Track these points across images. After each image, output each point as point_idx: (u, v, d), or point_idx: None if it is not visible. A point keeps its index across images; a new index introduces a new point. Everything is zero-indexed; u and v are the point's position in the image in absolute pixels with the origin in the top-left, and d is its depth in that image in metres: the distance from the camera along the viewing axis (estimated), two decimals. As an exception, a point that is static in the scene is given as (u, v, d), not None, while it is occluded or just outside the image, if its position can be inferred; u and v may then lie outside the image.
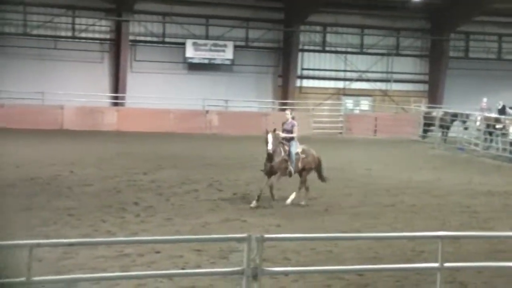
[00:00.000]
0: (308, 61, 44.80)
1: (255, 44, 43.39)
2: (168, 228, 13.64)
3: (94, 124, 36.25)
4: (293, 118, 17.32)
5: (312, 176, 17.56)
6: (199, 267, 10.83)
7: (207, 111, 39.60)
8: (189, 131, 36.64)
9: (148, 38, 41.94)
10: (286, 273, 10.13)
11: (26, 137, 29.80)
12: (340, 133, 41.15)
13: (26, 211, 14.54)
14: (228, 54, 42.38)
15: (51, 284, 9.25)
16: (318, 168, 17.64)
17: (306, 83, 44.85)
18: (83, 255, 11.10)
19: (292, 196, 16.71)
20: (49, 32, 39.91)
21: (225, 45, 42.37)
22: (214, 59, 42.33)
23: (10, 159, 22.25)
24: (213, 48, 42.37)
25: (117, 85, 40.46)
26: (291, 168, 16.79)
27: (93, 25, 40.61)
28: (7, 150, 24.88)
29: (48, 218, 13.96)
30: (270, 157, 16.53)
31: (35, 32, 39.60)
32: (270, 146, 16.32)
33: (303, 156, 17.15)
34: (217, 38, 42.45)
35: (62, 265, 10.58)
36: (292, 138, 17.02)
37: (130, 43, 40.96)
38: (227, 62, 42.55)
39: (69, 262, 10.73)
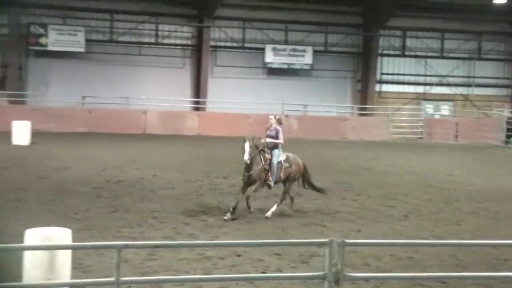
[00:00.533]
0: (387, 65, 44.47)
1: (334, 49, 43.40)
2: (248, 232, 13.73)
3: (175, 128, 36.95)
4: (280, 123, 15.90)
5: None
6: (279, 271, 10.85)
7: (286, 116, 39.71)
8: (266, 135, 36.79)
9: (229, 44, 42.47)
10: (367, 279, 10.14)
11: (112, 141, 30.67)
12: (420, 138, 40.69)
13: (113, 213, 14.94)
14: (307, 59, 42.48)
15: (138, 284, 9.52)
16: (304, 177, 16.25)
17: (385, 87, 44.53)
18: (166, 257, 11.31)
19: (273, 208, 15.47)
20: (133, 39, 40.96)
21: (304, 50, 42.51)
22: (293, 64, 42.50)
23: (97, 162, 23.01)
24: (292, 53, 42.55)
25: (198, 90, 41.14)
26: (271, 180, 15.53)
27: (175, 31, 41.43)
28: (94, 153, 25.73)
29: (133, 220, 14.27)
30: (248, 166, 15.23)
31: (120, 38, 40.70)
32: (246, 156, 14.99)
33: (286, 165, 15.76)
34: (296, 43, 42.62)
35: (147, 266, 10.81)
36: (276, 146, 15.67)
37: (211, 48, 41.58)
38: (306, 67, 42.65)
39: (154, 264, 10.91)
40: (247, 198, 15.37)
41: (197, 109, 40.95)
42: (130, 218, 14.52)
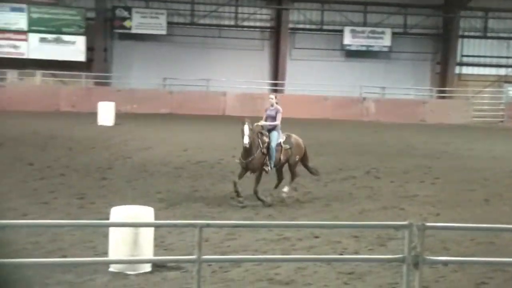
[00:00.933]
0: (468, 47, 43.55)
1: (413, 30, 42.80)
2: (326, 213, 13.79)
3: (254, 110, 37.11)
4: (276, 103, 15.05)
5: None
6: (357, 253, 10.90)
7: (364, 98, 39.54)
8: (345, 118, 36.81)
9: (307, 26, 42.44)
10: (445, 263, 10.08)
11: (192, 122, 31.20)
12: (501, 121, 39.78)
13: (193, 193, 15.28)
14: (386, 41, 42.06)
15: (218, 263, 9.77)
16: (303, 159, 15.40)
17: (465, 70, 43.68)
18: (245, 237, 11.50)
19: (285, 189, 14.70)
20: (213, 21, 41.41)
21: (383, 32, 42.08)
22: (372, 46, 42.16)
23: (178, 143, 23.52)
24: (370, 35, 42.19)
25: (276, 72, 41.32)
26: (269, 165, 14.45)
27: (255, 13, 41.62)
28: (175, 134, 26.27)
29: (212, 200, 14.58)
30: (247, 151, 14.21)
31: (201, 21, 41.20)
32: (246, 140, 13.99)
33: (287, 146, 14.89)
34: (375, 25, 42.21)
35: (226, 245, 11.02)
36: (274, 127, 14.79)
37: (290, 31, 41.64)
38: (385, 49, 42.25)
39: (233, 243, 11.10)
40: (234, 183, 14.19)
41: (275, 91, 41.09)
42: (210, 198, 14.80)
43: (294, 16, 42.15)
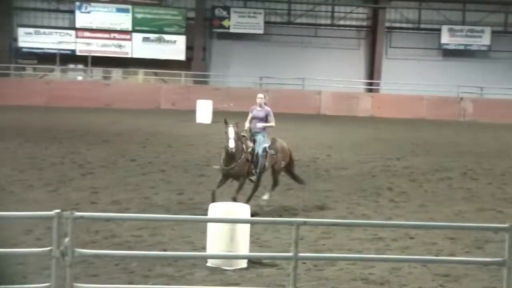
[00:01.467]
0: None
1: (515, 29, 41.62)
2: (421, 214, 13.65)
3: (349, 110, 37.15)
4: (265, 103, 13.29)
5: None
6: (453, 255, 10.72)
7: (461, 98, 38.78)
8: (442, 118, 36.26)
9: (404, 25, 42.00)
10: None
11: (287, 120, 31.36)
12: None
13: (288, 191, 15.43)
14: (484, 40, 41.19)
15: (312, 261, 9.90)
16: (289, 165, 13.79)
17: None
18: (340, 236, 11.54)
19: (265, 196, 13.20)
20: (310, 21, 41.56)
21: (482, 31, 41.21)
22: (470, 45, 41.36)
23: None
24: (469, 34, 41.40)
25: (372, 71, 41.08)
26: (255, 173, 12.88)
27: (351, 12, 41.50)
28: (270, 132, 26.51)
29: (307, 199, 14.69)
30: (230, 157, 12.41)
31: (297, 20, 41.43)
32: (232, 143, 12.23)
33: (272, 152, 13.18)
34: (474, 23, 41.34)
35: (321, 244, 11.10)
36: (263, 130, 13.09)
37: (386, 29, 41.32)
38: (484, 48, 41.38)
39: (328, 242, 11.14)
40: (213, 193, 12.37)
41: (370, 90, 40.88)
42: (305, 196, 14.91)
43: (391, 15, 41.76)
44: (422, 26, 42.07)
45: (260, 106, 13.24)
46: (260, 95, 13.36)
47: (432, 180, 17.64)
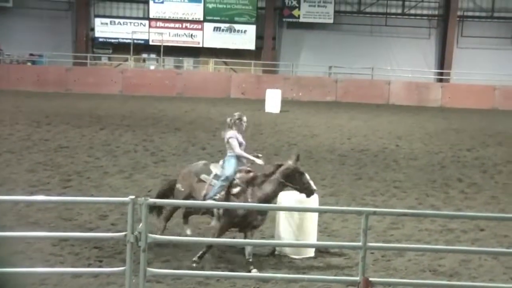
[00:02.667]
0: None
1: None
2: (492, 206, 13.52)
3: (419, 99, 36.73)
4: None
5: None
6: (525, 248, 10.71)
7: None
8: (516, 108, 35.50)
9: (477, 14, 41.19)
10: None
11: (356, 110, 31.32)
12: None
13: (357, 181, 15.47)
14: None
15: (381, 250, 9.94)
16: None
17: None
18: (408, 226, 11.54)
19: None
20: (380, 10, 41.21)
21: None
22: (546, 33, 40.25)
23: (343, 131, 23.84)
24: (545, 21, 40.30)
25: (443, 61, 40.49)
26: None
27: (422, 1, 40.95)
28: (340, 122, 26.58)
29: (376, 189, 14.64)
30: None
31: (368, 9, 41.14)
32: None
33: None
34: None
35: (390, 234, 11.12)
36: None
37: (458, 18, 40.61)
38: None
39: (396, 232, 11.17)
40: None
41: (441, 80, 40.28)
42: (373, 186, 14.90)
43: (464, 3, 41.01)
44: (496, 14, 41.15)
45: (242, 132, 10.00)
46: (245, 119, 9.97)
47: (503, 172, 17.37)
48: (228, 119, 9.83)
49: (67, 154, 16.89)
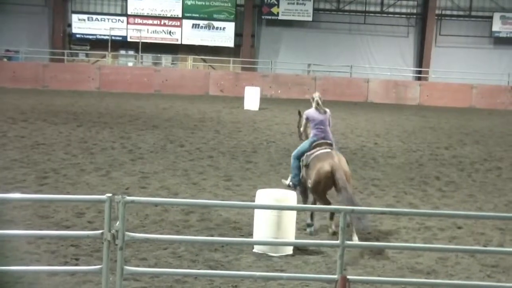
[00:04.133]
0: None
1: None
2: (469, 204, 13.58)
3: (397, 98, 36.92)
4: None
5: None
6: (501, 246, 10.70)
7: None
8: (493, 107, 35.79)
9: (455, 12, 41.48)
10: None
11: (335, 108, 31.27)
12: None
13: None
14: (538, 27, 40.40)
15: (360, 248, 9.93)
16: None
17: None
18: (386, 224, 11.55)
19: None
20: (359, 8, 41.32)
21: (536, 18, 40.42)
22: (523, 33, 40.62)
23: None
24: (521, 21, 40.68)
25: (421, 59, 40.73)
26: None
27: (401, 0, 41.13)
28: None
29: (354, 187, 14.47)
30: None
31: (346, 7, 41.24)
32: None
33: None
34: (527, 10, 40.59)
35: (368, 232, 11.16)
36: None
37: (436, 17, 40.88)
38: (537, 36, 40.58)
39: (374, 230, 11.15)
40: None
41: (419, 78, 40.51)
42: (352, 184, 14.87)
43: (442, 2, 41.26)
44: (473, 13, 41.45)
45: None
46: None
47: (481, 170, 17.47)
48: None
49: (44, 151, 16.74)
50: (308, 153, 10.89)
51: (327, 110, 11.41)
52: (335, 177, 10.41)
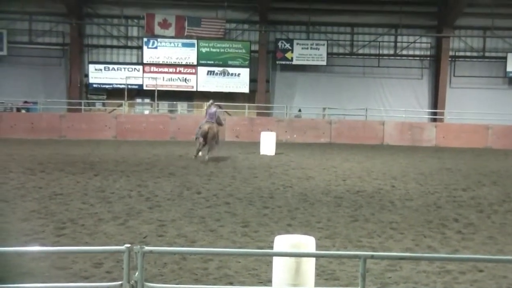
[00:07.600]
0: None
1: None
2: (490, 246, 13.43)
3: (413, 139, 36.87)
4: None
5: None
6: (526, 288, 10.62)
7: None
8: (509, 148, 35.62)
9: (468, 53, 41.62)
10: None
11: (351, 151, 31.36)
12: None
13: (353, 223, 15.39)
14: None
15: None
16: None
17: None
18: (406, 268, 11.43)
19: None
20: (372, 51, 41.61)
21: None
22: (539, 72, 40.63)
23: (338, 173, 23.87)
24: (536, 61, 40.72)
25: (436, 100, 40.75)
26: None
27: (414, 42, 41.33)
28: (335, 163, 26.60)
29: (372, 230, 14.54)
30: None
31: (360, 51, 41.52)
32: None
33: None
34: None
35: (387, 277, 11.01)
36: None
37: (450, 58, 41.01)
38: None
39: (394, 275, 11.03)
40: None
41: (434, 120, 40.50)
42: (370, 228, 14.80)
43: (455, 44, 41.42)
44: (487, 54, 41.57)
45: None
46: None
47: (499, 211, 17.31)
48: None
49: (61, 202, 16.81)
50: (202, 123, 25.81)
51: (215, 108, 26.44)
52: (208, 132, 25.38)
